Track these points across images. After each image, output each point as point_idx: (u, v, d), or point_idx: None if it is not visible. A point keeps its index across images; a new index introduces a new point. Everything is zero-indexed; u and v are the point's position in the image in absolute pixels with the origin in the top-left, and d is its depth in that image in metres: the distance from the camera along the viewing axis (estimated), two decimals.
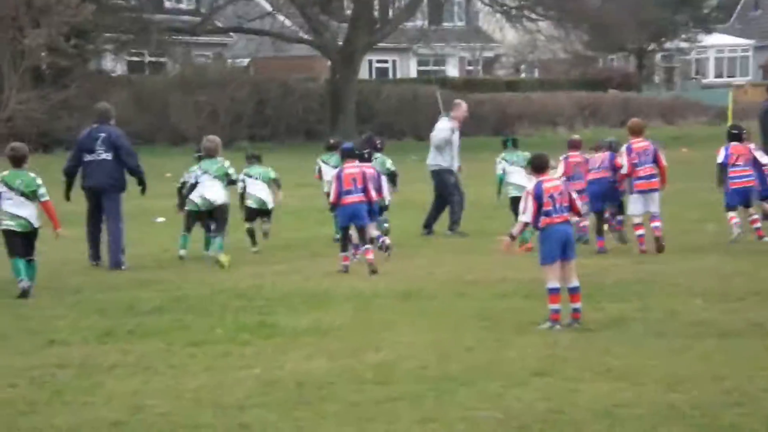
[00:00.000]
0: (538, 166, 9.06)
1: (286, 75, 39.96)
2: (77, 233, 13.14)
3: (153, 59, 41.30)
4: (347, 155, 12.31)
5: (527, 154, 13.02)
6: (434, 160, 15.70)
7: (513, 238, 9.06)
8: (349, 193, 11.96)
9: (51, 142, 32.12)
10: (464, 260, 12.52)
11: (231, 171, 13.27)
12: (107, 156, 12.94)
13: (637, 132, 13.39)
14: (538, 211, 8.78)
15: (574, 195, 9.09)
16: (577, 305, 8.90)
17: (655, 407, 6.55)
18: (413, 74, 51.87)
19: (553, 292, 8.80)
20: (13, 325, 9.18)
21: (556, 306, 8.80)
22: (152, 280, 11.58)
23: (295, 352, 8.11)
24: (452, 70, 53.93)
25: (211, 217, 13.12)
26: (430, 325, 8.99)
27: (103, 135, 13.05)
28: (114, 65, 40.48)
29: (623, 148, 13.30)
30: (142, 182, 13.23)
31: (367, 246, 12.02)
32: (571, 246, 8.95)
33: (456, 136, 15.65)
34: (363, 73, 45.04)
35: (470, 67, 55.99)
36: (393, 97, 40.12)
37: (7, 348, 8.29)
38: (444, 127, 15.65)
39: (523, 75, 57.90)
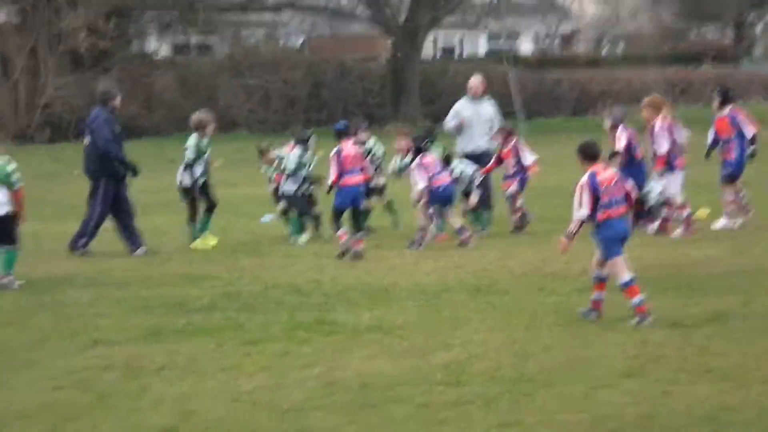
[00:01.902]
0: (590, 155, 8.96)
1: (343, 55, 40.07)
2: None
3: (199, 40, 41.69)
4: (342, 135, 12.98)
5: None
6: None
7: (571, 237, 8.95)
8: (350, 173, 12.78)
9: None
10: (541, 251, 12.44)
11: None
12: (87, 140, 13.52)
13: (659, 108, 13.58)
14: (595, 204, 8.70)
15: (629, 185, 8.99)
16: (600, 295, 8.88)
17: (765, 411, 6.43)
18: (482, 52, 51.70)
19: (629, 284, 8.72)
20: (55, 325, 9.33)
21: (637, 299, 8.71)
22: (202, 275, 11.70)
23: (356, 351, 8.13)
24: (526, 47, 53.63)
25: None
26: (504, 322, 8.96)
27: (88, 119, 13.57)
28: (158, 47, 40.95)
29: (659, 127, 13.34)
30: (124, 166, 13.47)
31: (361, 233, 12.80)
32: (626, 239, 8.90)
33: (479, 112, 15.36)
34: (427, 52, 44.99)
35: (545, 44, 55.62)
36: (460, 77, 39.90)
37: (49, 350, 8.42)
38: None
39: (604, 51, 57.33)
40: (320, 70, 38.69)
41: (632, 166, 13.41)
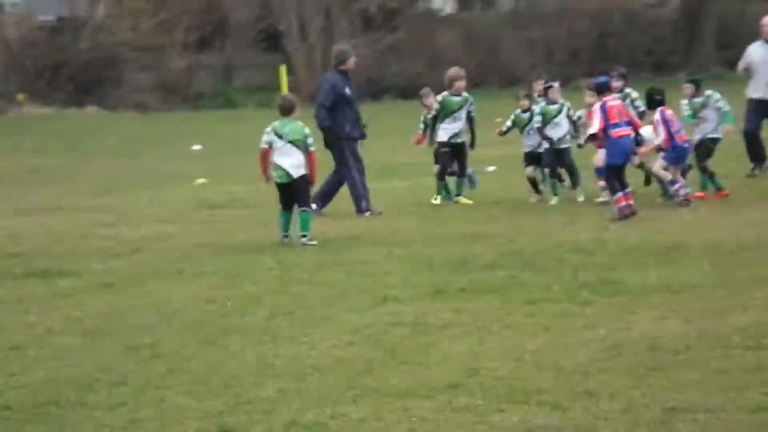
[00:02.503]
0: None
1: (630, 1, 39.01)
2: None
3: None
4: (604, 89, 12.65)
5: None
6: None
7: None
8: (617, 126, 12.38)
9: (380, 90, 33.43)
10: None
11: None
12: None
13: None
14: None
15: None
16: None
17: None
18: None
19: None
20: (348, 281, 9.78)
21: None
22: (484, 233, 11.87)
23: (643, 312, 8.04)
24: None
25: None
26: None
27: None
28: (443, 4, 41.38)
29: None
30: (328, 132, 13.69)
31: (629, 190, 12.40)
32: None
33: None
34: None
35: None
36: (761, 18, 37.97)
37: (344, 305, 8.83)
38: None
39: None
40: (606, 19, 37.91)
41: None
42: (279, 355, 7.31)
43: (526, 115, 14.30)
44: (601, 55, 37.15)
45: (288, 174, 11.76)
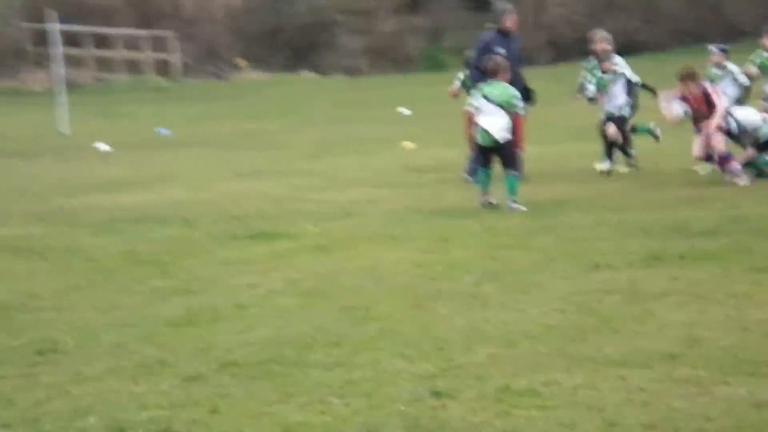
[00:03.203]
0: None
1: None
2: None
3: None
4: None
5: None
6: None
7: None
8: None
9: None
10: None
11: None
12: None
13: None
14: None
15: None
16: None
17: None
18: None
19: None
20: (558, 246, 9.59)
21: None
22: (704, 197, 11.43)
23: None
24: None
25: None
26: None
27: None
28: None
29: None
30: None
31: None
32: None
33: None
34: None
35: None
36: None
37: (554, 271, 8.66)
38: None
39: None
40: None
41: None
42: (488, 321, 7.24)
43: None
44: None
45: (492, 138, 11.63)
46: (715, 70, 13.99)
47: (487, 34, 13.56)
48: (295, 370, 6.28)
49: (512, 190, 11.61)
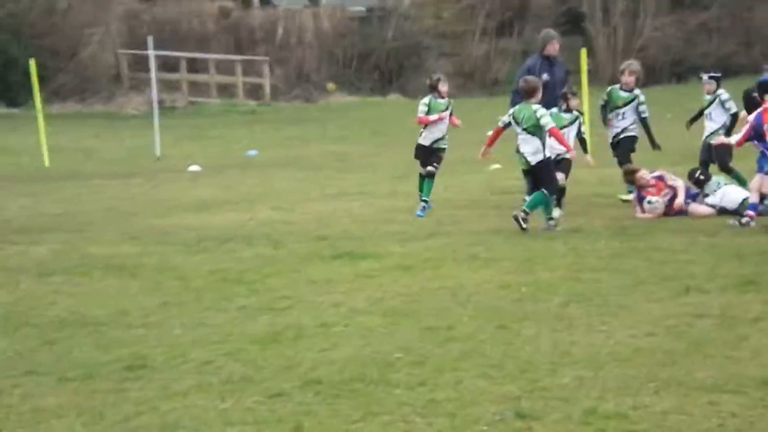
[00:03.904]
0: None
1: None
2: None
3: None
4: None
5: None
6: None
7: None
8: None
9: (685, 71, 32.31)
10: None
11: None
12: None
13: None
14: None
15: None
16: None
17: None
18: None
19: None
20: (649, 269, 9.42)
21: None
22: None
23: None
24: None
25: None
26: None
27: None
28: None
29: None
30: None
31: None
32: None
33: None
34: None
35: None
36: None
37: (643, 294, 8.50)
38: None
39: None
40: None
41: None
42: (575, 343, 7.12)
43: None
44: None
45: (527, 161, 11.68)
46: (707, 97, 13.79)
47: (531, 59, 13.59)
48: (378, 389, 6.25)
49: (532, 205, 11.60)
